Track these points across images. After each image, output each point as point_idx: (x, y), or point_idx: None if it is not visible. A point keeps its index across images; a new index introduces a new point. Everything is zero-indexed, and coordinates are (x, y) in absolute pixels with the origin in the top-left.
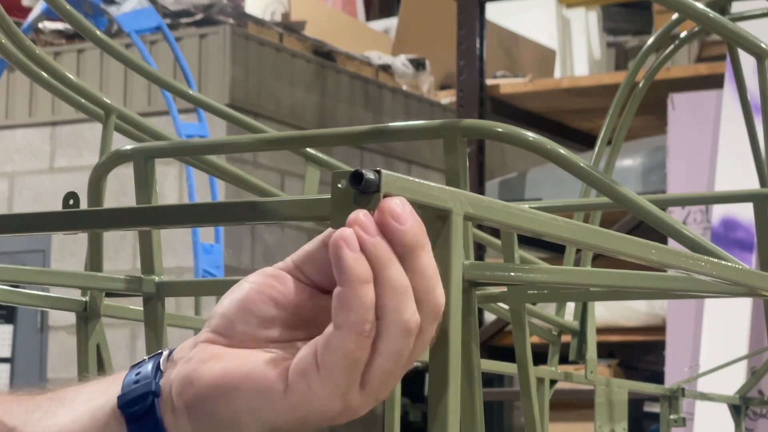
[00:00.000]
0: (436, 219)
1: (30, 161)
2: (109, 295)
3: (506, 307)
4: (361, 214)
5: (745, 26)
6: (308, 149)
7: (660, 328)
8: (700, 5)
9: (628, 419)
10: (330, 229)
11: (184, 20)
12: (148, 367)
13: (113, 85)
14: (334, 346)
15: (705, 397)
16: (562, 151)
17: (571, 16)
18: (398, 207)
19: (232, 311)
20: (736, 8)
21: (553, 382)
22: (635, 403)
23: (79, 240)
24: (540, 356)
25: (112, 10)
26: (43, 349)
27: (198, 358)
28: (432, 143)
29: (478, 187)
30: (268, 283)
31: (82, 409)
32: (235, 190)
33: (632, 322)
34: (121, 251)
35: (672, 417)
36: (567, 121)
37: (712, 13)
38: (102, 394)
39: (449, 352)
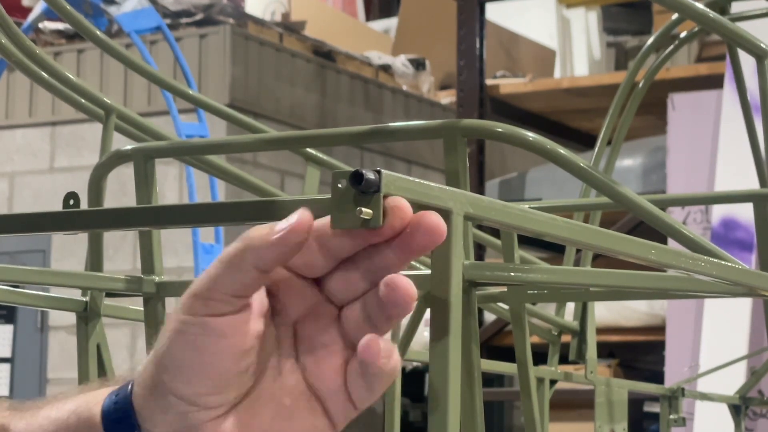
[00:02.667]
0: None
1: (30, 161)
2: (109, 295)
3: (506, 307)
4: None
5: (745, 26)
6: (308, 149)
7: (660, 328)
8: (700, 5)
9: (628, 419)
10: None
11: (184, 20)
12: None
13: (113, 85)
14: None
15: (705, 397)
16: (562, 151)
17: (571, 16)
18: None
19: (223, 383)
20: (736, 8)
21: (553, 382)
22: (635, 403)
23: (79, 240)
24: (540, 356)
25: (112, 10)
26: (43, 349)
27: None
28: (432, 143)
29: (478, 187)
30: (238, 344)
31: None
32: (235, 190)
33: (632, 322)
34: (121, 251)
35: (672, 417)
36: (567, 121)
37: (712, 13)
38: None
39: (449, 352)
